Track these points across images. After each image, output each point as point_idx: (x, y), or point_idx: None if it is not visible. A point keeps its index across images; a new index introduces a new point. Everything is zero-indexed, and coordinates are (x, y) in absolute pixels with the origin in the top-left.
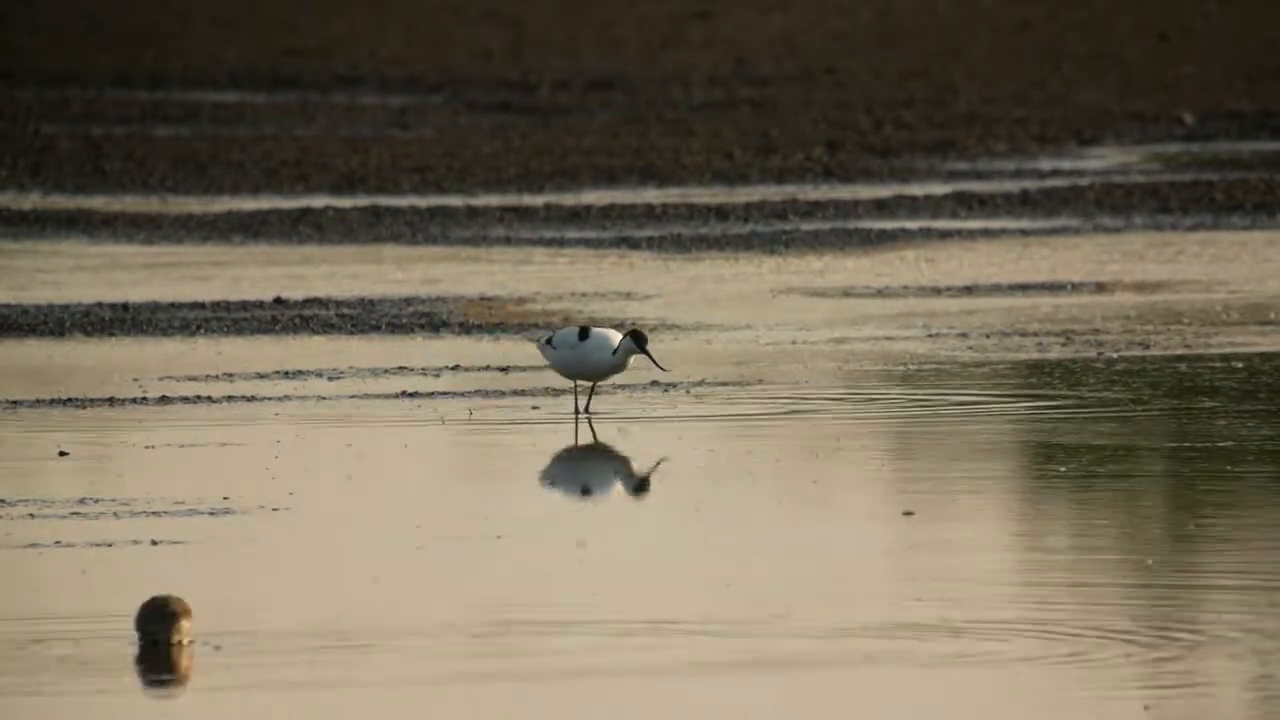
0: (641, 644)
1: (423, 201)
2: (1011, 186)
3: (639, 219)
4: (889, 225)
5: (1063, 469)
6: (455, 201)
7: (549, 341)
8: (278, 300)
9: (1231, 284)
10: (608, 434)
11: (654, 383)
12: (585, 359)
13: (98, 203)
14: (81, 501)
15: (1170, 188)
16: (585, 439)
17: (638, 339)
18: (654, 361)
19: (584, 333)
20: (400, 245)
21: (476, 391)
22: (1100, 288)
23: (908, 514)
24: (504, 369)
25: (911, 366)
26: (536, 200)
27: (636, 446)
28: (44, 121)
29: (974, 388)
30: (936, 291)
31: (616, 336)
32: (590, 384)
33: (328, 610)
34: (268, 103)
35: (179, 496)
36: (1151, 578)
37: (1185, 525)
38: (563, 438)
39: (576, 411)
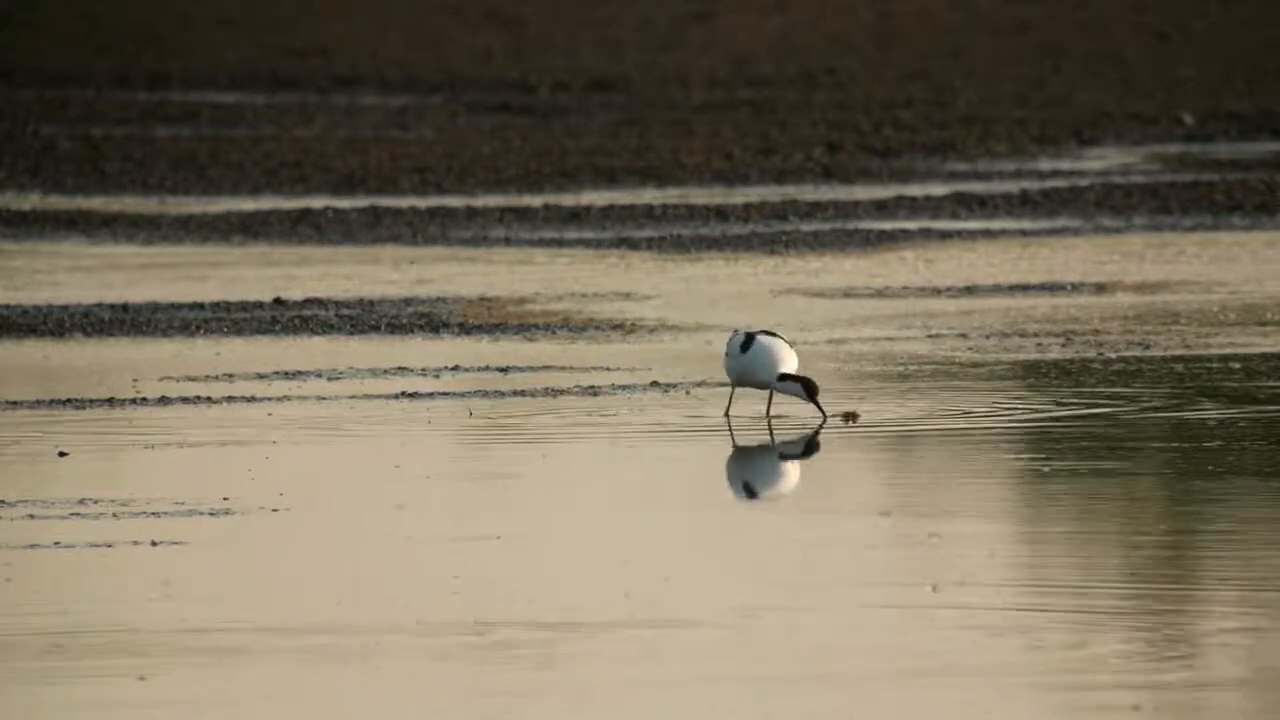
0: (638, 643)
1: (422, 202)
2: (1011, 187)
3: (639, 219)
4: (888, 226)
5: (1061, 468)
6: (455, 202)
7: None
8: (277, 301)
9: (1231, 285)
10: (709, 441)
11: (654, 383)
12: (745, 369)
13: (97, 203)
14: (81, 502)
15: (1170, 188)
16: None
17: (809, 390)
18: (819, 408)
19: (748, 342)
20: (400, 246)
21: (476, 392)
22: (1100, 288)
23: (885, 514)
24: (504, 369)
25: (911, 367)
26: (536, 201)
27: (642, 449)
28: (44, 122)
29: (973, 388)
30: (936, 292)
31: (783, 347)
32: (765, 392)
33: (319, 610)
34: (267, 104)
35: (179, 496)
36: (1146, 578)
37: (1181, 525)
38: (560, 438)
39: (727, 413)
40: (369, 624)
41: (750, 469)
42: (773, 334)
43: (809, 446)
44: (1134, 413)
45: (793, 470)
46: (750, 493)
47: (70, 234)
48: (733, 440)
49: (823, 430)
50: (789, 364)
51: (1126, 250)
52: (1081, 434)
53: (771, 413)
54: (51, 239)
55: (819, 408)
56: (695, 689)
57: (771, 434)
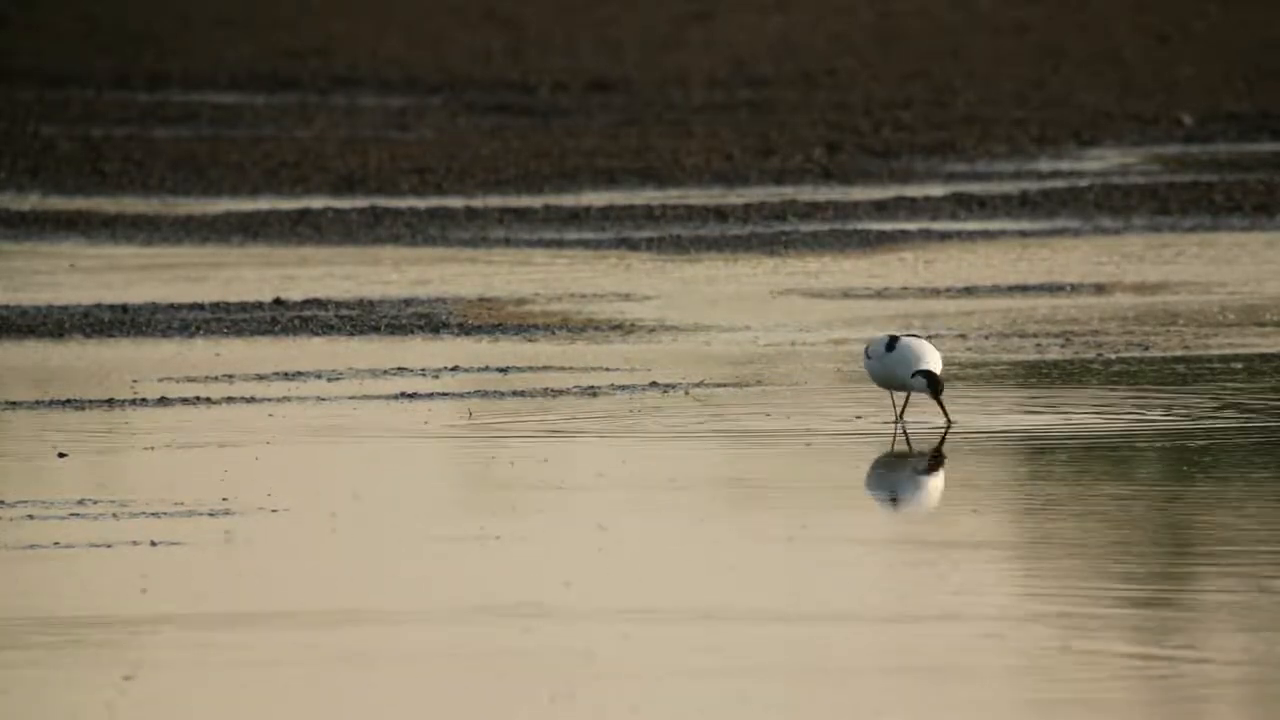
0: (628, 642)
1: (422, 203)
2: (1010, 188)
3: (638, 220)
4: (888, 226)
5: (1059, 470)
6: (454, 203)
7: (868, 348)
8: (277, 301)
9: (1230, 285)
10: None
11: (653, 383)
12: (889, 371)
13: (97, 204)
14: (80, 502)
15: (1169, 189)
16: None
17: (933, 386)
18: (943, 411)
19: (891, 344)
20: (399, 246)
21: (476, 392)
22: (1099, 289)
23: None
24: (503, 370)
25: None
26: (536, 201)
27: (633, 454)
28: (43, 122)
29: (972, 388)
30: (935, 293)
31: (927, 348)
32: (904, 394)
33: (316, 610)
34: (267, 104)
35: (178, 497)
36: (1146, 579)
37: (1180, 527)
38: (556, 439)
39: (898, 419)
40: (367, 624)
41: (745, 471)
42: (917, 336)
43: (808, 447)
44: (1133, 413)
45: (788, 470)
46: (748, 493)
47: (70, 235)
48: (908, 444)
49: (946, 437)
50: (929, 362)
51: (1126, 251)
52: (1080, 435)
53: (902, 416)
54: (51, 240)
55: (942, 408)
56: (700, 686)
57: (907, 439)
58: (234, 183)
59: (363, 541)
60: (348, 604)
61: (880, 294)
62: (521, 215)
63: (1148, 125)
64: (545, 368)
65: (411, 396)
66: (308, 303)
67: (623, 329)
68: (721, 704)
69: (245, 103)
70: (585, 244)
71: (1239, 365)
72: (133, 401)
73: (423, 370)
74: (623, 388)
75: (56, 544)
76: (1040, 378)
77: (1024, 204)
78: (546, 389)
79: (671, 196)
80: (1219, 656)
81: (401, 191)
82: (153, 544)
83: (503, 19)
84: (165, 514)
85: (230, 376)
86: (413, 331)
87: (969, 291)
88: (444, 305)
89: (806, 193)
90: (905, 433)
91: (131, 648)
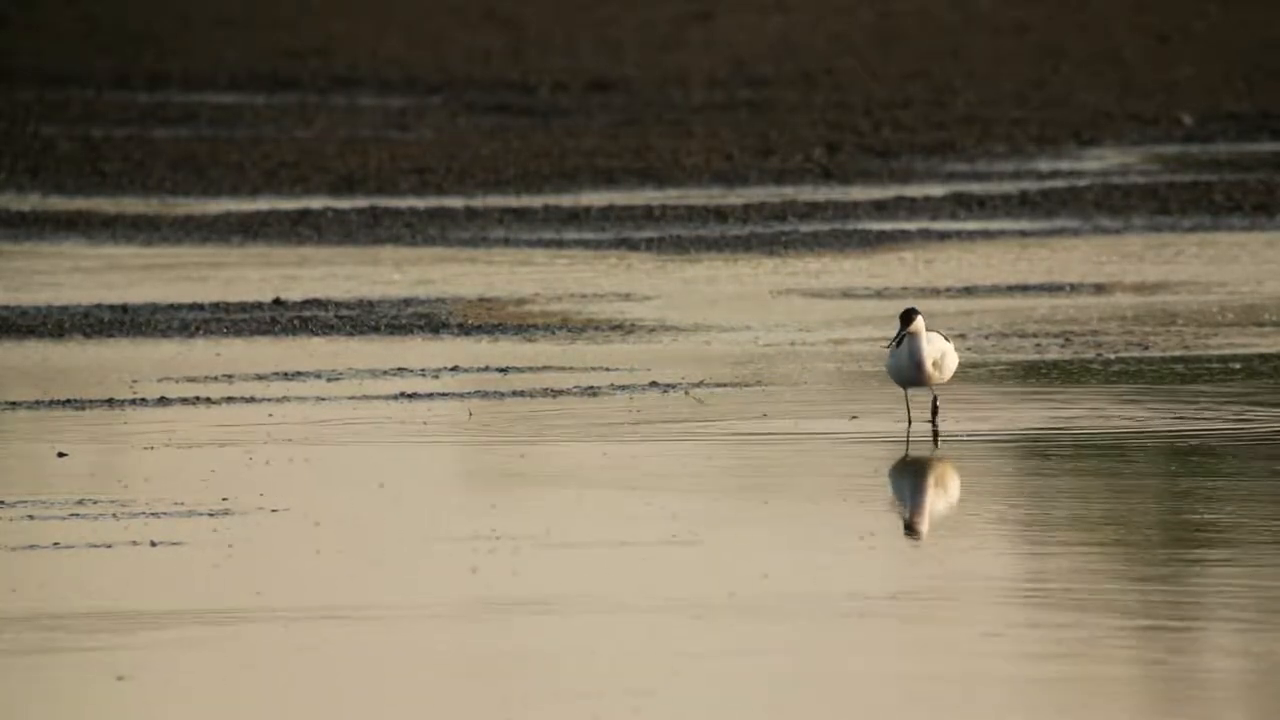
0: (633, 632)
1: (421, 203)
2: (1010, 188)
3: (638, 220)
4: (888, 226)
5: (1059, 469)
6: (454, 203)
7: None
8: (276, 301)
9: (1230, 285)
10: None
11: (653, 383)
12: (898, 364)
13: (97, 204)
14: (80, 502)
15: (1169, 189)
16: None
17: (904, 321)
18: (894, 339)
19: (901, 339)
20: (399, 246)
21: (475, 392)
22: (1099, 289)
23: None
24: (503, 370)
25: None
26: (535, 201)
27: (631, 453)
28: (43, 122)
29: (972, 389)
30: (935, 292)
31: (937, 337)
32: (909, 389)
33: (314, 610)
34: (267, 104)
35: (178, 497)
36: (1146, 578)
37: (1180, 528)
38: (556, 439)
39: (908, 420)
40: (366, 623)
41: (740, 470)
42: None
43: (807, 446)
44: (1133, 413)
45: (786, 468)
46: (746, 493)
47: (70, 235)
48: (909, 444)
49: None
50: (935, 340)
51: (1125, 251)
52: (1080, 434)
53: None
54: (51, 240)
55: (896, 337)
56: (673, 675)
57: (908, 439)
58: (234, 183)
59: (362, 541)
60: (347, 603)
61: (880, 294)
62: (521, 215)
63: (1148, 125)
64: (545, 368)
65: (411, 396)
66: (308, 303)
67: (623, 329)
68: (723, 702)
69: (245, 103)
70: (585, 244)
71: (1239, 365)
72: (132, 401)
73: (423, 370)
74: (623, 388)
75: (56, 544)
76: (1040, 378)
77: (1024, 204)
78: (546, 389)
79: (671, 196)
80: (1220, 655)
81: (401, 191)
82: (153, 544)
83: (503, 19)
84: (165, 514)
85: (230, 376)
86: (413, 331)
87: (969, 291)
88: (444, 305)
89: (806, 193)
90: (909, 433)
91: (130, 648)
